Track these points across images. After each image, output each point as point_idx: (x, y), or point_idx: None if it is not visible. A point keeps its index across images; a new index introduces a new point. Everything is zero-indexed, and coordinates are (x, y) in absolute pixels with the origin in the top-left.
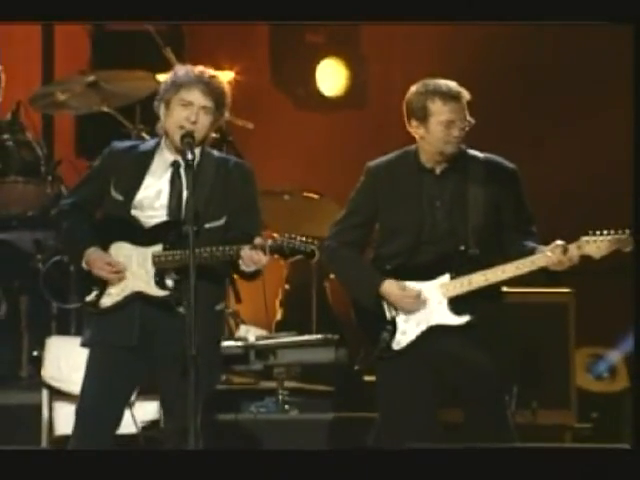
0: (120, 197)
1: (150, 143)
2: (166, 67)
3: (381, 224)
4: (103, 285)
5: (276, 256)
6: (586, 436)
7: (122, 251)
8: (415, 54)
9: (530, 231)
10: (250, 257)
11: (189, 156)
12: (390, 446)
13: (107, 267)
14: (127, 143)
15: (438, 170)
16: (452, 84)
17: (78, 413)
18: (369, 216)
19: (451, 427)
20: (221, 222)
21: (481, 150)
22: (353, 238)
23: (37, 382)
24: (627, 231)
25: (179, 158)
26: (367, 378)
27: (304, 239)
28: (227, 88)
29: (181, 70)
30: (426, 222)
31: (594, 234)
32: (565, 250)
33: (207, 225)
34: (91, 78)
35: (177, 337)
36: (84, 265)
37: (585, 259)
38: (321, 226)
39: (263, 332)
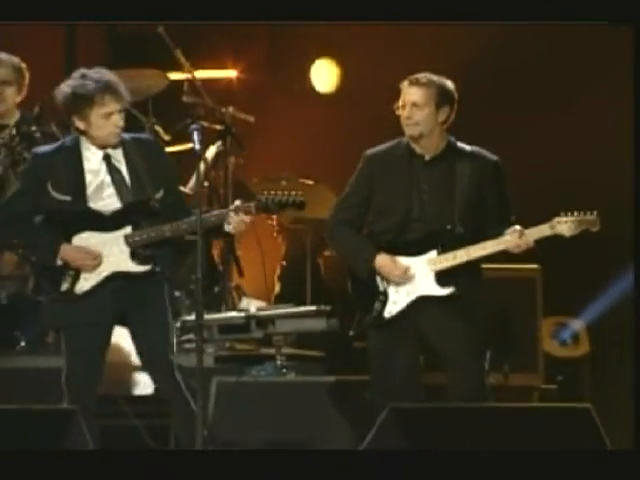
0: (67, 197)
1: (70, 143)
2: (176, 66)
3: (374, 204)
4: (75, 273)
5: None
6: (551, 396)
7: (88, 240)
8: (400, 53)
9: (508, 219)
10: (238, 222)
11: (197, 145)
12: (380, 406)
13: (87, 256)
14: (47, 148)
15: (427, 157)
16: (422, 74)
17: (67, 386)
18: (364, 197)
19: (435, 388)
20: (162, 192)
21: (470, 137)
22: (351, 216)
23: (61, 348)
24: (595, 212)
25: (108, 151)
26: (356, 345)
27: (287, 192)
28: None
29: (78, 81)
30: (414, 202)
31: (565, 215)
32: (521, 234)
33: (156, 196)
34: None
35: (153, 303)
36: (59, 261)
37: (556, 238)
38: (315, 209)
39: (263, 304)
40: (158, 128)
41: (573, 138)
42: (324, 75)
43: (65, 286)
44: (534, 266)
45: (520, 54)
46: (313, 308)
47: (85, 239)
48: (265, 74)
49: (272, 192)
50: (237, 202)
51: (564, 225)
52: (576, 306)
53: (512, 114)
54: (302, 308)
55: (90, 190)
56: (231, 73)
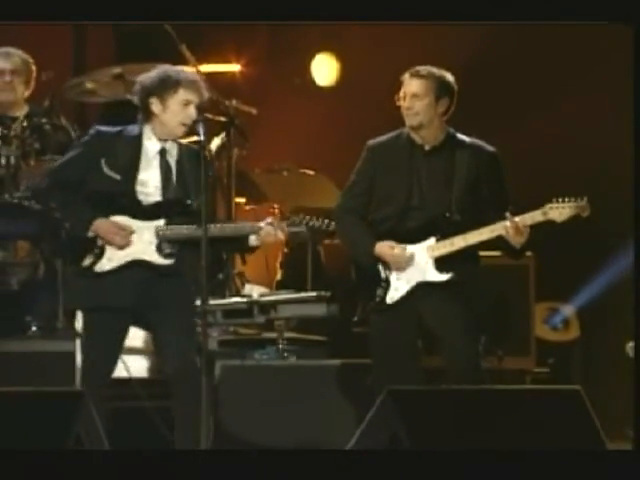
0: (117, 176)
1: (134, 129)
2: (181, 61)
3: (376, 192)
4: (100, 251)
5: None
6: (543, 379)
7: (121, 223)
8: (398, 48)
9: (505, 208)
10: (268, 233)
11: (202, 137)
12: (382, 388)
13: (119, 232)
14: (110, 128)
15: (427, 147)
16: (423, 66)
17: (84, 371)
18: (367, 186)
19: (433, 371)
20: (197, 201)
21: (467, 128)
22: (355, 204)
23: (71, 332)
24: (585, 198)
25: (165, 146)
26: (355, 329)
27: (321, 220)
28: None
29: (171, 69)
30: (414, 191)
31: (557, 201)
32: (517, 221)
33: (191, 201)
34: (117, 70)
35: (172, 298)
36: (90, 233)
37: (548, 225)
38: (314, 198)
39: (265, 290)
40: None
41: (567, 130)
42: (324, 69)
43: (87, 262)
44: (527, 254)
45: (519, 47)
46: (313, 294)
47: (118, 221)
48: (267, 68)
49: (307, 217)
50: (270, 219)
51: (556, 211)
52: (567, 292)
53: (510, 107)
54: (303, 294)
55: (139, 177)
56: (234, 67)
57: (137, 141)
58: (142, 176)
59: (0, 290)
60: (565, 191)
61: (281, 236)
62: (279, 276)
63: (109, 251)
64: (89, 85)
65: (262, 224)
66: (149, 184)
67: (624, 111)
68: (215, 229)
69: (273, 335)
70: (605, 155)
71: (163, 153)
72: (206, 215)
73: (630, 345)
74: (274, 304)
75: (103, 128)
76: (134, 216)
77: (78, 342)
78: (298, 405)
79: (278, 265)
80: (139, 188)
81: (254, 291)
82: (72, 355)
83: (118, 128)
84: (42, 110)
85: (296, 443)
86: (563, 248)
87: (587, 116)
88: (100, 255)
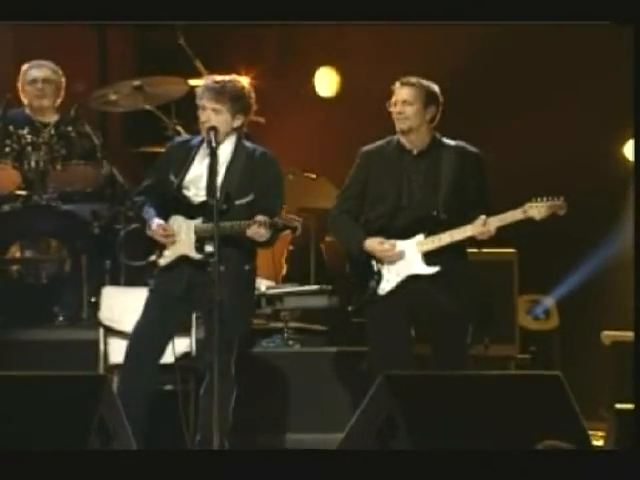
0: (174, 180)
1: (198, 138)
2: (195, 74)
3: (369, 194)
4: (161, 249)
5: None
6: (526, 365)
7: (176, 222)
8: (392, 63)
9: (486, 205)
10: (254, 232)
11: (213, 144)
12: (377, 373)
13: (162, 232)
14: (182, 138)
15: (415, 151)
16: (412, 77)
17: (130, 341)
18: (361, 189)
19: (420, 358)
20: (247, 200)
21: (457, 131)
22: (349, 206)
23: (95, 322)
24: (562, 198)
25: (218, 149)
26: (354, 319)
27: (290, 217)
28: (237, 90)
29: (205, 81)
30: (404, 192)
31: (536, 200)
32: (484, 222)
33: (237, 202)
34: (137, 82)
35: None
36: (148, 232)
37: (532, 227)
38: (317, 199)
39: (272, 283)
40: (179, 128)
41: (555, 131)
42: (326, 81)
43: (152, 257)
44: (511, 250)
45: (513, 49)
46: (316, 287)
47: (174, 221)
48: (274, 81)
49: (283, 216)
50: (259, 217)
51: (535, 210)
52: (548, 285)
53: (500, 114)
54: (306, 287)
55: (190, 177)
56: (244, 79)
57: (195, 147)
58: (193, 176)
59: (31, 283)
60: (549, 188)
61: (263, 232)
62: (284, 271)
63: (165, 249)
64: (112, 96)
65: (253, 224)
66: (199, 184)
67: (617, 112)
68: (235, 225)
69: (279, 325)
70: (588, 153)
71: (210, 154)
72: (218, 214)
73: (605, 333)
74: (280, 296)
75: (177, 139)
76: (185, 215)
77: (101, 331)
78: (301, 389)
79: (284, 260)
80: (190, 188)
81: (262, 284)
82: (95, 343)
83: (188, 137)
84: (69, 119)
85: (299, 425)
86: (544, 245)
87: (578, 117)
88: (161, 252)
